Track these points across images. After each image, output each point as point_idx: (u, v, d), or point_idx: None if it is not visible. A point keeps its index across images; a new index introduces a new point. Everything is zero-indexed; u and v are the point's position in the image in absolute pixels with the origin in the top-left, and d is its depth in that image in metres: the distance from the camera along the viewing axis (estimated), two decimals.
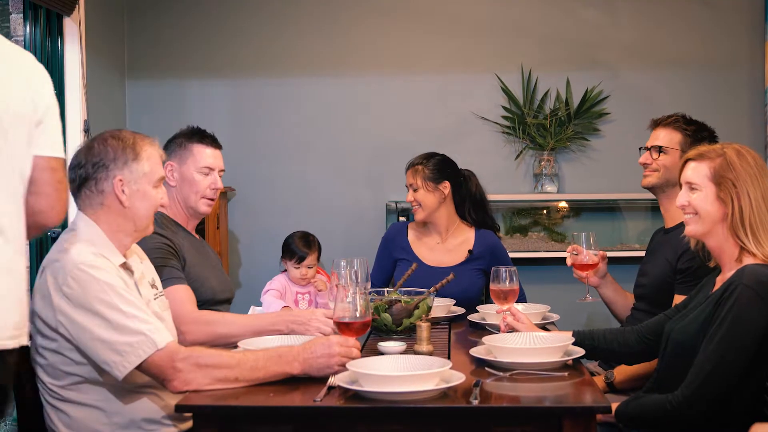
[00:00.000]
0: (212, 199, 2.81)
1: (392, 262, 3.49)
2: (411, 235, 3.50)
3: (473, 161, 4.33)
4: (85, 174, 2.17)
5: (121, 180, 2.18)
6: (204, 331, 2.55)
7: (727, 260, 2.21)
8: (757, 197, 2.15)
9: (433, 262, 3.38)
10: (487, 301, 3.73)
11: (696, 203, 2.22)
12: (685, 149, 2.84)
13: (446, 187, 3.40)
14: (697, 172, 2.22)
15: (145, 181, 2.22)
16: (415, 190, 3.39)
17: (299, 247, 3.67)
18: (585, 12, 4.37)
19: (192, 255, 2.71)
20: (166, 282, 2.52)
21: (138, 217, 2.22)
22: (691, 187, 2.23)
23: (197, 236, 2.86)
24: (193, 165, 2.76)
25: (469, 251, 3.42)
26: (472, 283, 3.39)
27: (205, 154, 2.79)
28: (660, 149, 2.89)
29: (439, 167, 3.42)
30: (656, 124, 2.95)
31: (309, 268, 3.67)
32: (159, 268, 2.48)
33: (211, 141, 2.82)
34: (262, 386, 2.10)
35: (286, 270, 3.73)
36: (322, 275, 3.90)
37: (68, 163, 2.18)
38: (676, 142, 2.87)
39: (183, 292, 2.58)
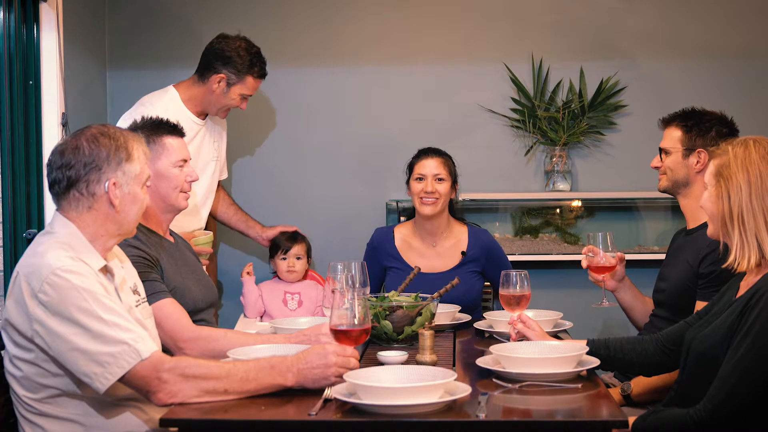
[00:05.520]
0: (188, 192, 2.84)
1: (381, 269, 3.50)
2: (398, 241, 3.50)
3: (480, 157, 4.36)
4: (75, 175, 2.16)
5: (115, 183, 2.18)
6: (204, 347, 2.56)
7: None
8: (748, 194, 2.16)
9: (425, 268, 3.34)
10: (491, 305, 3.75)
11: (703, 202, 2.27)
12: (688, 145, 2.90)
13: (456, 187, 3.50)
14: (708, 170, 2.28)
15: (136, 182, 2.23)
16: (440, 180, 3.41)
17: (282, 240, 3.86)
18: None
19: (169, 265, 2.71)
20: (152, 297, 2.53)
21: (127, 220, 2.24)
22: (705, 187, 2.27)
23: (172, 239, 2.86)
24: (168, 159, 2.76)
25: (462, 252, 3.43)
26: (471, 287, 3.40)
27: (178, 146, 2.80)
28: (665, 151, 2.97)
29: (454, 165, 3.51)
30: (662, 123, 3.03)
31: (298, 259, 3.77)
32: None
33: (180, 131, 2.84)
34: (253, 399, 2.11)
35: (276, 273, 3.87)
36: (315, 280, 3.92)
37: (46, 160, 2.19)
38: (676, 140, 2.95)
39: (173, 306, 2.59)
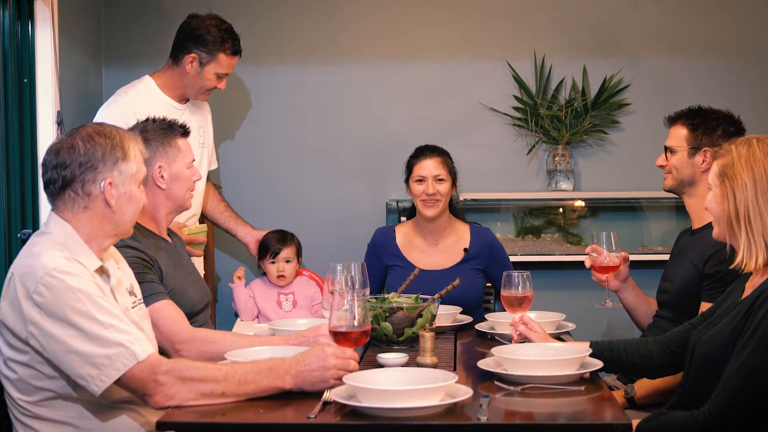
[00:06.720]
0: (194, 191, 2.85)
1: (383, 269, 3.50)
2: (400, 239, 3.51)
3: (481, 156, 4.35)
4: (70, 175, 2.16)
5: (111, 183, 2.18)
6: (201, 349, 2.56)
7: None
8: (754, 192, 2.15)
9: (427, 265, 3.37)
10: (492, 304, 3.75)
11: (708, 204, 2.27)
12: (694, 144, 2.90)
13: (456, 184, 3.50)
14: (712, 170, 2.27)
15: (133, 182, 2.23)
16: (440, 180, 3.42)
17: (272, 242, 3.79)
18: None
19: (168, 266, 2.71)
20: (149, 299, 2.53)
21: (123, 220, 2.23)
22: (709, 188, 2.27)
23: (169, 239, 2.86)
24: (182, 161, 2.76)
25: (465, 249, 3.43)
26: (473, 285, 3.41)
27: (189, 147, 2.80)
28: (670, 149, 2.97)
29: (453, 162, 3.51)
30: (667, 121, 3.04)
31: (287, 262, 3.75)
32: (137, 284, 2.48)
33: (188, 131, 2.82)
34: (251, 401, 2.11)
35: (265, 273, 3.83)
36: (311, 279, 3.92)
37: (40, 159, 2.18)
38: (682, 139, 2.95)
39: (171, 308, 2.59)
